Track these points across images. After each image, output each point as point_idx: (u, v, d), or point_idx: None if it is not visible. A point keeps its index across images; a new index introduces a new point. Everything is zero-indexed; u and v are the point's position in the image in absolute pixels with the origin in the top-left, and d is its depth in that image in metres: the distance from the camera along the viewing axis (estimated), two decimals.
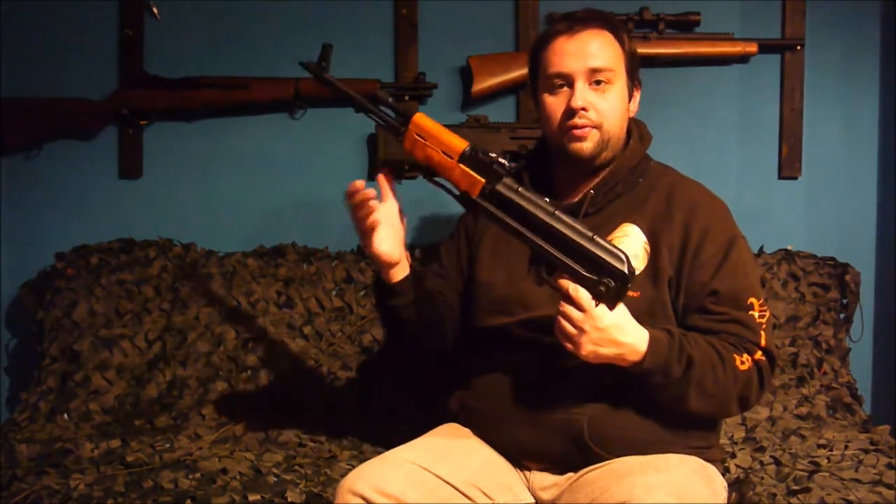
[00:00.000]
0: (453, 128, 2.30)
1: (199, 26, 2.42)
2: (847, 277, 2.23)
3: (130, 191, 2.43)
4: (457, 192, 1.40)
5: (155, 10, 2.41)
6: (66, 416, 2.08)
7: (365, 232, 1.46)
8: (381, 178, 1.50)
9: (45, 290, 2.26)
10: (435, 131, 1.40)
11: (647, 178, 1.55)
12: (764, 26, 2.38)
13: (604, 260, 1.32)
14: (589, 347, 1.34)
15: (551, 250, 1.34)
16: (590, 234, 1.33)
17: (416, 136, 1.41)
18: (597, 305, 1.33)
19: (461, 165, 1.37)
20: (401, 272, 1.52)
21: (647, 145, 1.58)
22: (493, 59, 2.36)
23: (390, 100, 1.46)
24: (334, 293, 2.24)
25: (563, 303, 1.35)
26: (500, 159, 1.37)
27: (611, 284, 1.32)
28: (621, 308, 1.35)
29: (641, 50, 2.31)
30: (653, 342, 1.37)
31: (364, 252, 1.52)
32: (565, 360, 1.38)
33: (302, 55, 2.39)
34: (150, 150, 2.43)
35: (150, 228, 2.36)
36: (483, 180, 1.36)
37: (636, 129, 1.57)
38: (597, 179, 1.52)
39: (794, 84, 2.38)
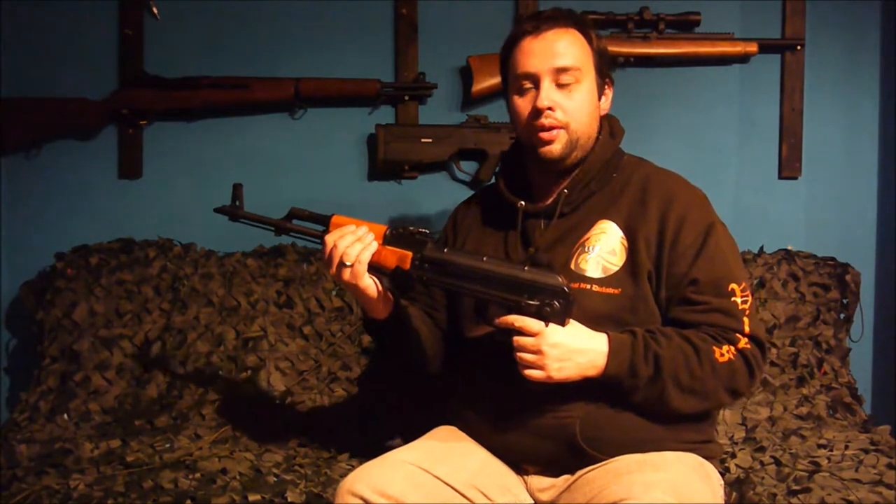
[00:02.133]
0: (453, 128, 2.35)
1: (199, 26, 2.42)
2: (847, 277, 2.23)
3: (130, 191, 2.43)
4: (388, 272, 1.46)
5: (155, 10, 2.41)
6: (66, 416, 2.08)
7: (362, 270, 1.45)
8: (339, 217, 1.51)
9: (45, 290, 2.26)
10: (355, 226, 1.48)
11: (621, 172, 1.54)
12: (764, 26, 2.38)
13: (541, 283, 1.38)
14: (555, 366, 1.36)
15: (491, 291, 1.40)
16: (520, 266, 1.40)
17: None
18: (547, 326, 1.36)
19: (387, 247, 1.46)
20: (384, 304, 1.52)
21: (619, 140, 1.57)
22: (493, 59, 2.32)
23: (308, 212, 1.54)
24: (334, 293, 2.24)
25: (514, 338, 1.37)
26: (419, 230, 1.46)
27: (555, 304, 1.37)
28: (573, 323, 1.39)
29: (641, 50, 2.33)
30: (614, 344, 1.38)
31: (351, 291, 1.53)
32: None
33: (302, 55, 2.43)
34: (149, 150, 2.43)
35: (150, 228, 2.36)
36: (410, 252, 1.45)
37: (606, 125, 1.56)
38: (570, 179, 1.52)
39: (794, 84, 2.38)
